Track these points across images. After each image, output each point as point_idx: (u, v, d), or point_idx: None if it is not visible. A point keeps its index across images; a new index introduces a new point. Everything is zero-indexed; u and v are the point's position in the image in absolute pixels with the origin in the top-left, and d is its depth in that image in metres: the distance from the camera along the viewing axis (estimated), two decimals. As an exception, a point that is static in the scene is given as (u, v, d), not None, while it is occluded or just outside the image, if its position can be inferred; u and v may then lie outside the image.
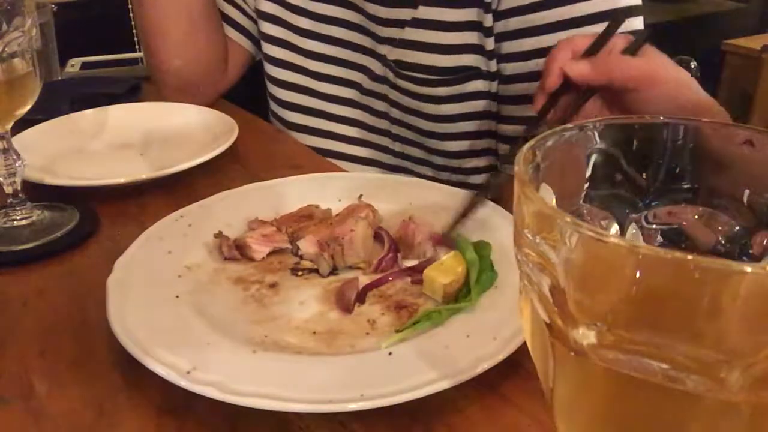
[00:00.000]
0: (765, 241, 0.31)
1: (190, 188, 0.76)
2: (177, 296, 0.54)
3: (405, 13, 0.86)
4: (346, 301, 0.54)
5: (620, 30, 0.65)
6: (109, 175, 0.76)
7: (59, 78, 1.16)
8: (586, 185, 0.32)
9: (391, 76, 0.91)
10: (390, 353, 0.47)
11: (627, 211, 0.33)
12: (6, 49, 0.60)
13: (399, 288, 0.57)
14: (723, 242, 0.32)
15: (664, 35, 0.76)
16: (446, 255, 0.57)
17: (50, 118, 0.90)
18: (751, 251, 0.31)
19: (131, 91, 1.06)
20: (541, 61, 0.70)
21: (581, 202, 0.32)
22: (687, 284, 0.22)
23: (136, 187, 0.76)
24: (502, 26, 0.82)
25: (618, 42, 0.64)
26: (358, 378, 0.45)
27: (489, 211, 0.63)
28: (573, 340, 0.26)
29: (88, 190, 0.75)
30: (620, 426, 0.28)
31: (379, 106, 0.96)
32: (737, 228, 0.31)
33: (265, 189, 0.71)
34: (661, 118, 0.33)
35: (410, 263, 0.59)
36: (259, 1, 0.98)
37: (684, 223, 0.33)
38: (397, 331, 0.50)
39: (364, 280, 0.57)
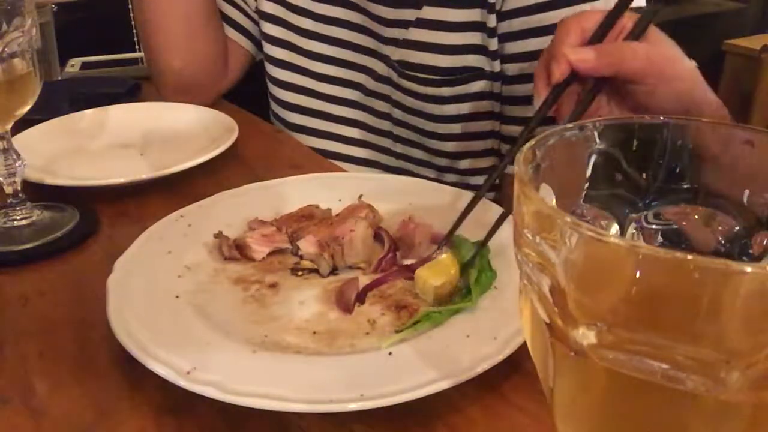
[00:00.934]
0: (765, 241, 0.31)
1: (190, 188, 0.76)
2: (177, 296, 0.54)
3: (409, 14, 0.86)
4: (346, 301, 0.54)
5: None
6: (109, 175, 0.76)
7: (59, 78, 1.16)
8: (586, 185, 0.32)
9: (394, 76, 0.91)
10: (390, 353, 0.47)
11: (627, 211, 0.33)
12: (6, 49, 0.60)
13: (399, 288, 0.57)
14: (723, 242, 0.32)
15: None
16: (441, 254, 0.56)
17: (50, 118, 0.90)
18: (751, 251, 0.31)
19: (131, 91, 1.06)
20: None
21: (581, 202, 0.32)
22: (687, 284, 0.22)
23: (136, 187, 0.76)
24: (505, 27, 0.82)
25: (626, 24, 0.59)
26: (358, 378, 0.45)
27: (489, 211, 0.63)
28: (573, 340, 0.26)
29: (88, 190, 0.75)
30: (620, 426, 0.28)
31: (382, 107, 0.96)
32: (737, 228, 0.31)
33: (265, 189, 0.71)
34: (661, 118, 0.33)
35: (410, 263, 0.59)
36: (261, 2, 0.98)
37: (684, 223, 0.33)
38: (397, 331, 0.50)
39: (364, 280, 0.57)
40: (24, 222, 0.69)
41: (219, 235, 0.62)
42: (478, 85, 0.87)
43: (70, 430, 0.45)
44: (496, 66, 0.85)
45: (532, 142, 0.30)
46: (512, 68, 0.85)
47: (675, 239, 0.33)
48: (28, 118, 0.71)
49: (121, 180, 0.75)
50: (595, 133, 0.32)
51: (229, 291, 0.57)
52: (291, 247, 0.62)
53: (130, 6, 1.28)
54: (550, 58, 0.59)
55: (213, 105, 0.99)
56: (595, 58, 0.56)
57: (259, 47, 1.03)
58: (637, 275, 0.23)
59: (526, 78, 0.84)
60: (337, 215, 0.65)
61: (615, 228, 0.33)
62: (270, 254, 0.61)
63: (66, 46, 1.20)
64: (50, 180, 0.75)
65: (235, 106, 1.05)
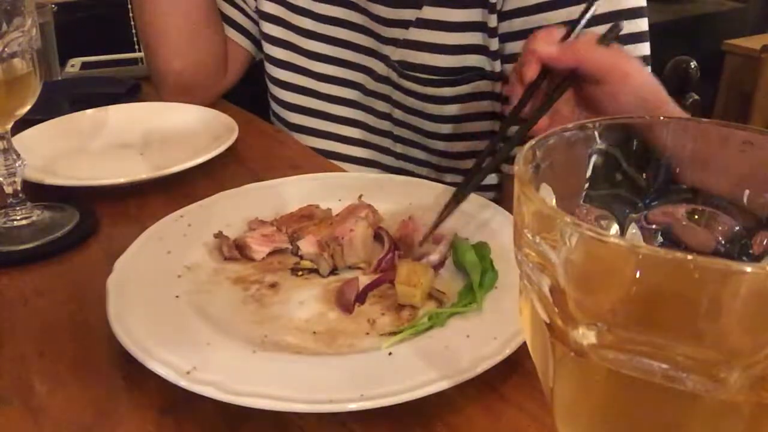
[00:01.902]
0: (765, 241, 0.31)
1: (190, 188, 0.76)
2: (177, 296, 0.54)
3: (409, 14, 0.86)
4: (346, 301, 0.54)
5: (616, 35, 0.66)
6: (109, 175, 0.76)
7: (59, 78, 1.16)
8: (586, 185, 0.32)
9: (394, 76, 0.91)
10: (390, 353, 0.47)
11: (627, 211, 0.33)
12: (6, 49, 0.60)
13: (399, 288, 0.57)
14: (723, 242, 0.32)
15: (664, 35, 0.76)
16: (403, 263, 0.55)
17: (50, 118, 0.90)
18: (751, 251, 0.31)
19: (131, 91, 1.06)
20: None
21: (581, 202, 0.32)
22: (687, 284, 0.22)
23: (136, 187, 0.76)
24: (506, 27, 0.82)
25: (592, 36, 0.66)
26: (358, 378, 0.45)
27: (489, 211, 0.63)
28: (573, 340, 0.26)
29: (88, 190, 0.75)
30: (620, 426, 0.28)
31: (382, 107, 0.96)
32: (737, 228, 0.31)
33: (265, 189, 0.71)
34: (661, 118, 0.33)
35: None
36: (261, 2, 0.98)
37: (684, 223, 0.33)
38: (397, 332, 0.50)
39: (364, 280, 0.57)
40: (24, 222, 0.68)
41: (219, 235, 0.62)
42: (478, 85, 0.87)
43: (70, 430, 0.45)
44: (497, 66, 0.85)
45: (533, 142, 0.30)
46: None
47: (675, 239, 0.33)
48: (28, 118, 0.71)
49: (121, 180, 0.75)
50: (595, 133, 0.32)
51: (228, 291, 0.57)
52: (291, 247, 0.62)
53: (130, 6, 1.28)
54: (523, 61, 0.66)
55: (213, 105, 0.98)
56: (559, 49, 0.64)
57: (259, 47, 1.03)
58: (637, 275, 0.23)
59: None
60: (337, 215, 0.65)
61: (615, 228, 0.33)
62: (270, 254, 0.61)
63: (66, 46, 1.20)
64: (50, 180, 0.75)
65: (235, 106, 1.05)
